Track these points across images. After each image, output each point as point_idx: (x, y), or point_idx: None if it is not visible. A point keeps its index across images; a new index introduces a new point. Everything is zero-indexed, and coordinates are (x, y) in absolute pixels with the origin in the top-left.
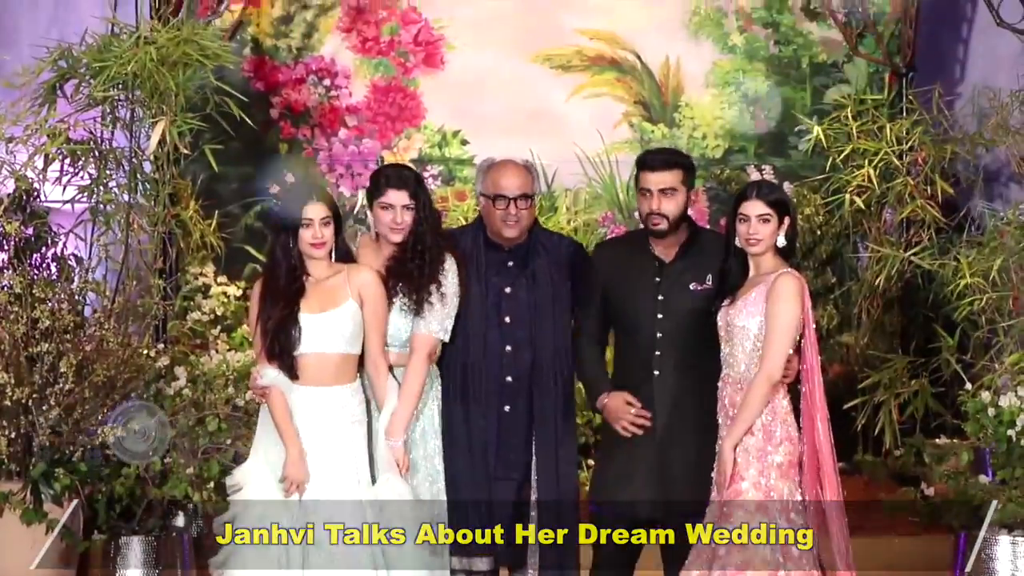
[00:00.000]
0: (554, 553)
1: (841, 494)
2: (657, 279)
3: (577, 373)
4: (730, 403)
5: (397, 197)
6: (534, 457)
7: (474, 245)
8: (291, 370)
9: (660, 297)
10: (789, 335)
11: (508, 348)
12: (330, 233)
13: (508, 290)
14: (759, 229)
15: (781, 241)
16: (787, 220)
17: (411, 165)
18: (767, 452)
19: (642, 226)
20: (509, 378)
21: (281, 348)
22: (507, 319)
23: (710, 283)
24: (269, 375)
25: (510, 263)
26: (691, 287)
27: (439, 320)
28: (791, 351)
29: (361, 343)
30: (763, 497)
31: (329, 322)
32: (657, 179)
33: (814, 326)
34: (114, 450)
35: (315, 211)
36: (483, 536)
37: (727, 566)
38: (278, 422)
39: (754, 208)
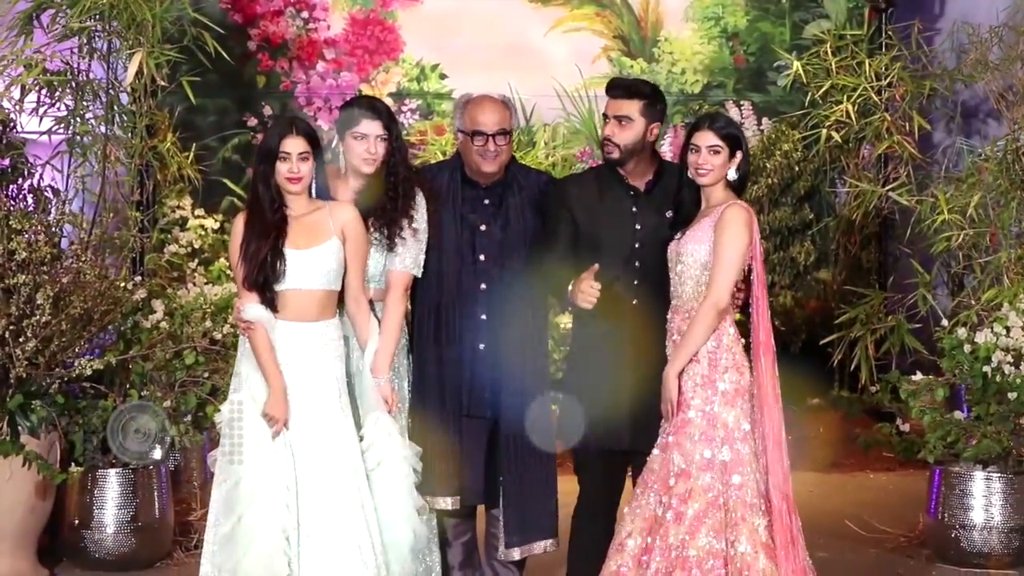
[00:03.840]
0: (520, 493)
1: (781, 428)
2: (634, 208)
3: (545, 284)
4: (677, 331)
5: (371, 127)
6: (503, 395)
7: (451, 181)
8: (272, 304)
9: (637, 226)
10: (737, 264)
11: (483, 286)
12: (308, 168)
13: (483, 228)
14: (708, 160)
15: (732, 175)
16: (739, 155)
17: (383, 100)
18: (712, 380)
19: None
20: (483, 316)
21: (265, 281)
22: (481, 257)
23: None
24: (253, 310)
25: (486, 200)
26: (667, 215)
27: (413, 256)
28: (739, 281)
29: (342, 280)
30: (707, 425)
31: (313, 259)
32: (614, 106)
33: (762, 259)
34: (115, 450)
35: (293, 145)
36: (449, 475)
37: (674, 495)
38: (261, 359)
39: (704, 139)
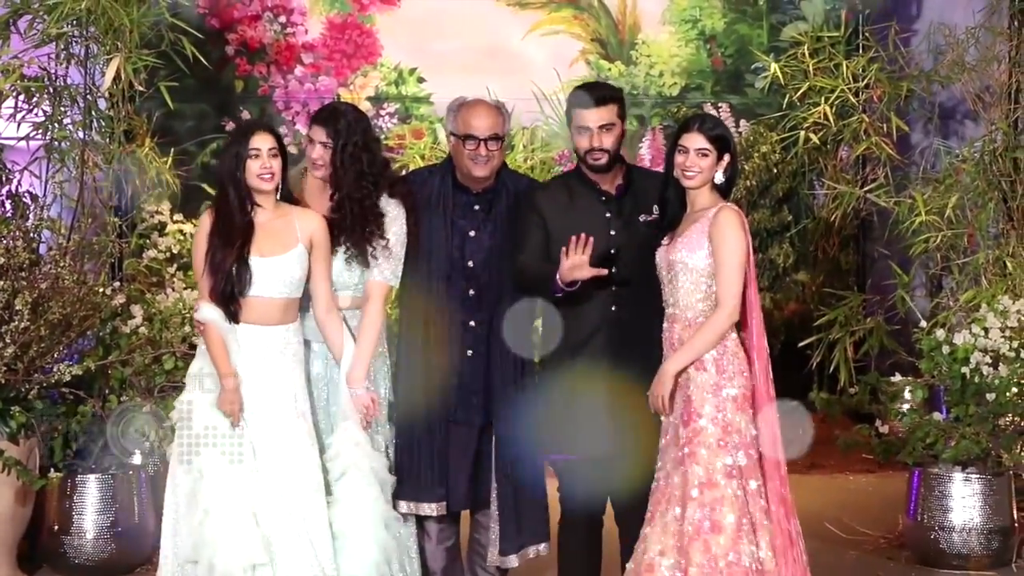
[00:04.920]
0: (514, 498)
1: (777, 431)
2: (607, 214)
3: (523, 280)
4: (678, 341)
5: (316, 132)
6: (493, 402)
7: (442, 186)
8: (235, 313)
9: (612, 232)
10: (741, 268)
11: (471, 292)
12: (278, 166)
13: (472, 233)
14: (696, 163)
15: (719, 178)
16: (727, 157)
17: (356, 105)
18: (721, 386)
19: (577, 163)
20: (472, 322)
21: (231, 293)
22: (470, 263)
23: (656, 212)
24: (205, 312)
25: (476, 206)
26: (642, 218)
27: (391, 267)
28: None
29: (304, 287)
30: (722, 432)
31: (277, 267)
32: (596, 116)
33: (755, 261)
34: (114, 450)
35: (262, 141)
36: (433, 482)
37: (703, 506)
38: (213, 357)
39: (694, 141)
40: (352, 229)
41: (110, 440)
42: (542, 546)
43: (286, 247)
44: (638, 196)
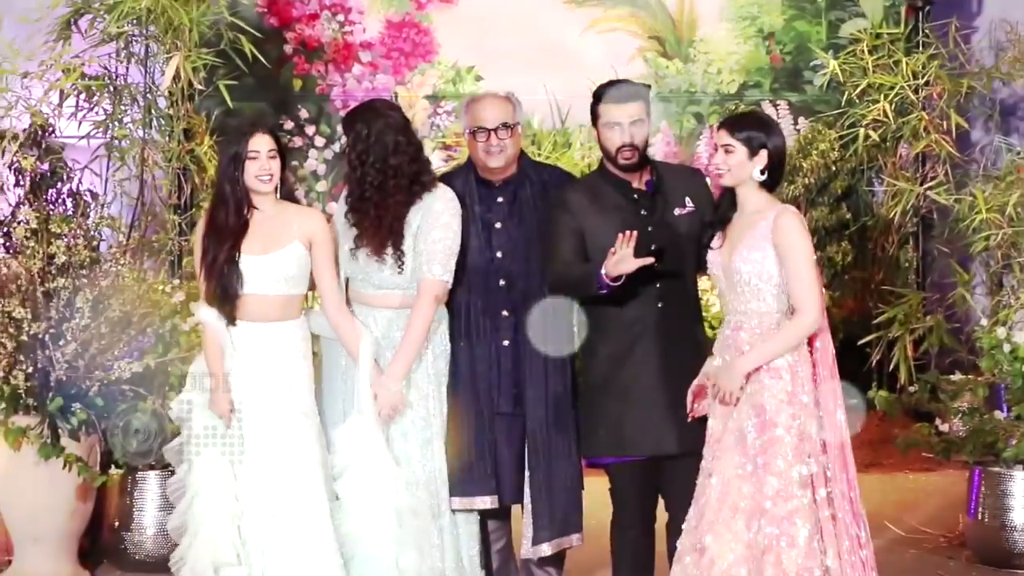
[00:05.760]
0: (547, 488)
1: (845, 434)
2: (643, 212)
3: (563, 285)
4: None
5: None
6: (528, 390)
7: (465, 183)
8: (231, 314)
9: (649, 229)
10: (814, 272)
11: (502, 282)
12: (277, 167)
13: (499, 225)
14: (724, 160)
15: (757, 175)
16: (763, 153)
17: (377, 104)
18: (796, 394)
19: (601, 163)
20: (505, 312)
21: (223, 293)
22: (499, 254)
23: (690, 205)
24: (202, 313)
25: (499, 198)
26: (676, 212)
27: (441, 264)
28: None
29: (305, 284)
30: (798, 440)
31: (271, 264)
32: (626, 112)
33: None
34: (115, 450)
35: (261, 143)
36: (485, 474)
37: (779, 519)
38: (206, 357)
39: (720, 138)
40: (361, 227)
41: (109, 441)
42: (575, 537)
43: (280, 244)
44: (668, 190)
